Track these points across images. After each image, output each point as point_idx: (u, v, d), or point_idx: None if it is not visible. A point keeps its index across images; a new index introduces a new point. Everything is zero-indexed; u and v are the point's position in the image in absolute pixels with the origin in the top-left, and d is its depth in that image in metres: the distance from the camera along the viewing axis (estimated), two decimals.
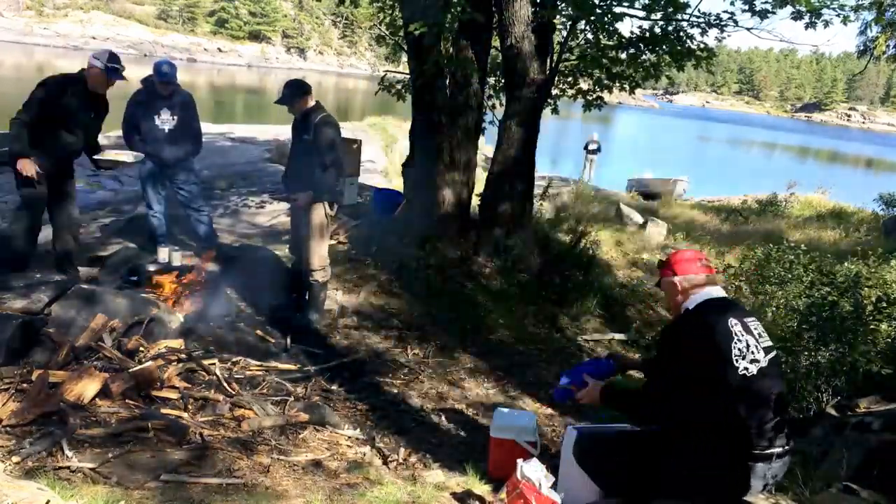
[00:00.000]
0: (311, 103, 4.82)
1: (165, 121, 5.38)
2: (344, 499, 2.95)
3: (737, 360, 2.45)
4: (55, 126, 4.61)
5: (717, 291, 2.69)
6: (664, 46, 7.09)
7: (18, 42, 54.96)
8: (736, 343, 2.47)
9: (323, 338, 5.00)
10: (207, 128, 14.62)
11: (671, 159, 27.36)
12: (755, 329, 2.54)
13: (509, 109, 6.57)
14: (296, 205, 4.83)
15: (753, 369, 2.46)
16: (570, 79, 8.15)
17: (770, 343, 2.57)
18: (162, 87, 5.31)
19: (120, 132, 5.36)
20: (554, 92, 7.74)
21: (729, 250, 9.14)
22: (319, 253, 4.96)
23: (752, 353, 2.48)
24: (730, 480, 2.48)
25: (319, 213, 4.85)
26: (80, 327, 3.89)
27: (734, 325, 2.51)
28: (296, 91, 4.77)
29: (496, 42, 7.14)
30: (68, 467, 2.74)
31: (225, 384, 3.78)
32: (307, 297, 5.11)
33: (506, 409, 3.82)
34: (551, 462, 3.16)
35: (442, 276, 6.11)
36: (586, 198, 13.06)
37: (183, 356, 3.95)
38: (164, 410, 3.39)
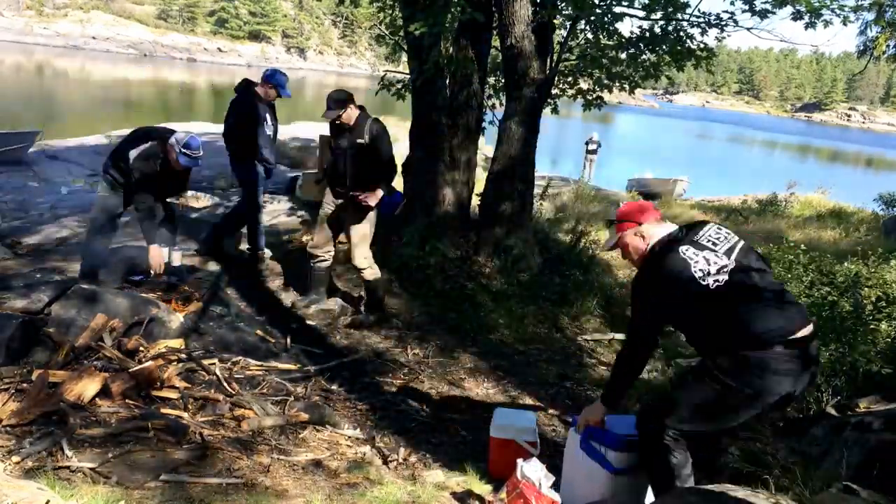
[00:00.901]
0: (358, 109, 4.99)
1: (270, 127, 5.80)
2: (344, 498, 2.95)
3: (703, 279, 2.58)
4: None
5: (669, 227, 2.83)
6: (664, 46, 7.09)
7: (18, 42, 54.96)
8: (693, 266, 2.61)
9: (323, 337, 5.01)
10: (207, 127, 14.66)
11: (671, 159, 27.37)
12: (708, 241, 2.69)
13: (509, 109, 6.57)
14: (365, 204, 4.98)
15: (723, 277, 2.58)
16: (570, 79, 8.15)
17: (731, 242, 2.69)
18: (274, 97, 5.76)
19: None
20: (554, 92, 7.74)
21: None
22: (364, 251, 5.13)
23: (715, 263, 2.61)
24: (777, 375, 2.51)
25: (374, 212, 5.06)
26: (80, 327, 3.89)
27: (685, 251, 2.65)
28: (344, 101, 4.91)
29: (496, 42, 7.15)
30: (68, 467, 2.74)
31: (225, 384, 3.78)
32: (366, 296, 5.34)
33: (506, 409, 3.82)
34: (551, 462, 3.16)
35: (442, 276, 6.11)
36: (586, 198, 13.06)
37: (183, 356, 3.95)
38: (164, 410, 3.39)
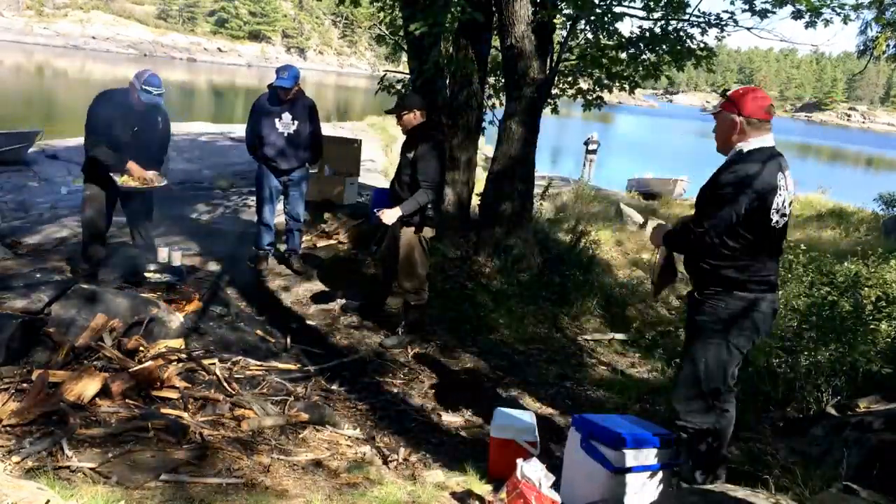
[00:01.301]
0: (421, 120, 4.75)
1: (286, 125, 5.56)
2: (344, 498, 2.95)
3: (773, 214, 2.77)
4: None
5: (770, 140, 2.86)
6: (664, 46, 7.10)
7: (18, 42, 54.98)
8: (777, 197, 2.76)
9: (323, 337, 5.00)
10: (207, 127, 14.69)
11: (671, 158, 27.37)
12: (791, 184, 2.86)
13: (509, 109, 6.57)
14: (381, 220, 4.67)
15: (781, 222, 2.82)
16: (569, 78, 8.16)
17: (793, 194, 2.92)
18: (282, 92, 5.48)
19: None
20: (554, 91, 7.74)
21: None
22: (408, 272, 4.86)
23: (785, 207, 2.81)
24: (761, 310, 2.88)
25: (407, 235, 4.77)
26: (80, 327, 3.89)
27: (780, 179, 2.77)
28: (405, 104, 4.72)
29: (496, 42, 7.15)
30: (68, 467, 2.74)
31: (225, 384, 3.78)
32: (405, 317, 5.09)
33: (506, 409, 3.82)
34: (551, 462, 3.16)
35: (442, 276, 6.11)
36: (586, 198, 13.07)
37: (183, 356, 3.95)
38: (164, 410, 3.38)
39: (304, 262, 6.05)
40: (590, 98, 7.99)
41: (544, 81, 6.48)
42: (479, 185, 7.10)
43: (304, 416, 3.64)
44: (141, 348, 3.90)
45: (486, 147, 14.29)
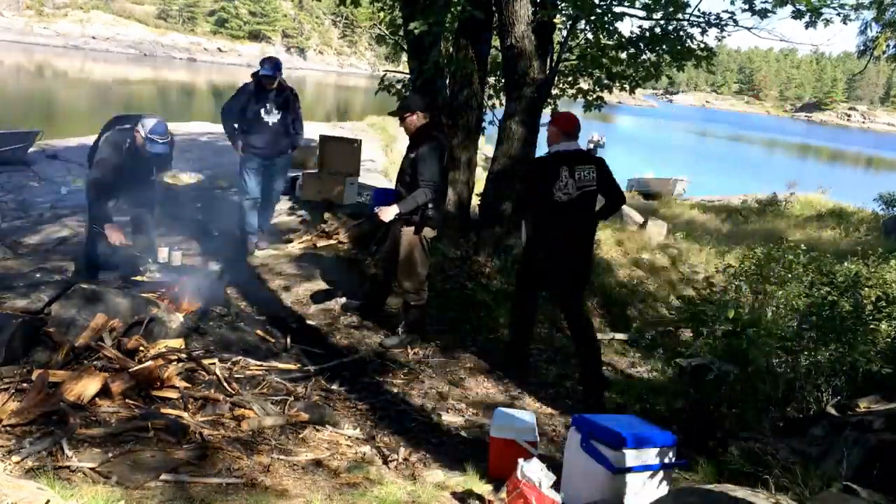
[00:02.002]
0: (423, 121, 4.81)
1: (270, 115, 6.06)
2: (344, 498, 2.95)
3: (555, 192, 4.36)
4: None
5: (572, 146, 4.47)
6: (664, 46, 7.10)
7: (18, 42, 54.95)
8: (558, 182, 4.35)
9: (323, 337, 5.00)
10: (207, 127, 14.68)
11: (671, 158, 27.37)
12: (581, 175, 4.38)
13: (509, 109, 6.56)
14: (378, 219, 4.73)
15: (565, 199, 4.37)
16: (570, 78, 8.16)
17: (591, 187, 4.43)
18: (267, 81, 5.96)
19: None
20: (554, 92, 7.74)
21: (729, 250, 9.14)
22: (407, 271, 4.87)
23: (568, 189, 4.36)
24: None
25: (407, 235, 4.79)
26: (81, 327, 3.89)
27: (563, 170, 4.36)
28: (408, 107, 4.79)
29: (496, 42, 7.15)
30: (68, 467, 2.74)
31: (225, 384, 3.77)
32: (404, 317, 5.09)
33: (506, 409, 3.82)
34: (551, 462, 3.16)
35: (442, 276, 6.11)
36: None
37: (183, 356, 3.94)
38: (164, 410, 3.38)
39: (297, 261, 6.07)
40: (590, 98, 7.99)
41: (544, 81, 6.48)
42: (479, 185, 7.10)
43: (304, 416, 3.64)
44: (141, 348, 3.89)
45: (486, 147, 14.28)
